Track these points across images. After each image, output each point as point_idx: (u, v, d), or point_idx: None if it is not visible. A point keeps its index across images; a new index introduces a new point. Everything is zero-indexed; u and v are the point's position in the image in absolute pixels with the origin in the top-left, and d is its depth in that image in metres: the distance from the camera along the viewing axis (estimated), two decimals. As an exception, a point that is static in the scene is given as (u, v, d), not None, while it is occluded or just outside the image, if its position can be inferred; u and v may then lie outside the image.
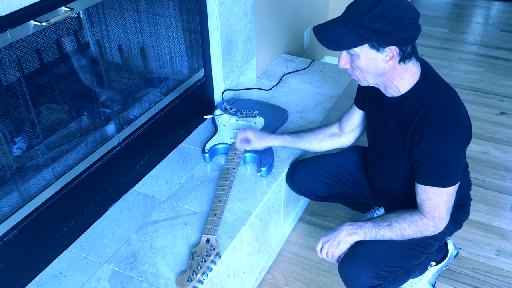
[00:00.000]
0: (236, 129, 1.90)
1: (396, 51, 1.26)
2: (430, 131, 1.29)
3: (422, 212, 1.36)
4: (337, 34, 1.27)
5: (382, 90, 1.40)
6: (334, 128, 1.73)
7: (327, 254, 1.43)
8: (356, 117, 1.65)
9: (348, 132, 1.70)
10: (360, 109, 1.63)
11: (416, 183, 1.36)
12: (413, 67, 1.34)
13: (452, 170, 1.32)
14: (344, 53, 1.31)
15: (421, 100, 1.33)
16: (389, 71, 1.31)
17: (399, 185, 1.49)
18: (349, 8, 1.27)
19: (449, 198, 1.34)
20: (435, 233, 1.38)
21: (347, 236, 1.41)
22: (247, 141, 1.76)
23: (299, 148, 1.80)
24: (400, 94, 1.37)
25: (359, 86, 1.60)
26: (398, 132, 1.39)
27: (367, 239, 1.40)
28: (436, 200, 1.33)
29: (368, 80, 1.35)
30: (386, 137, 1.47)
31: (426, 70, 1.37)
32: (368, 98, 1.54)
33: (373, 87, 1.41)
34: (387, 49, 1.25)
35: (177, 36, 1.86)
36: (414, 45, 1.29)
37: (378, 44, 1.24)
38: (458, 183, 1.34)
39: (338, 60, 1.34)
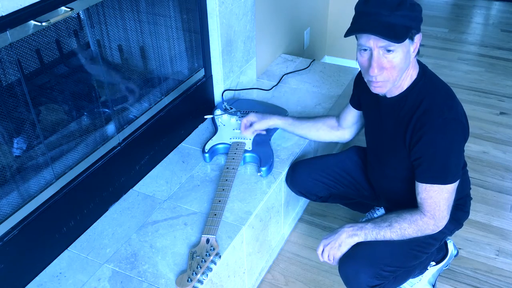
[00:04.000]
0: (236, 129, 1.90)
1: (420, 40, 1.28)
2: (430, 128, 1.29)
3: (423, 211, 1.36)
4: (389, 28, 1.21)
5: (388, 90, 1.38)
6: (333, 121, 1.74)
7: (328, 256, 1.43)
8: (351, 115, 1.66)
9: (345, 127, 1.71)
10: (356, 109, 1.63)
11: (416, 182, 1.36)
12: (415, 62, 1.36)
13: (452, 167, 1.32)
14: (378, 56, 1.25)
15: (419, 98, 1.34)
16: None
17: (398, 184, 1.49)
18: (376, 4, 1.22)
19: (449, 196, 1.34)
20: (436, 232, 1.38)
21: (348, 238, 1.40)
22: (251, 125, 1.80)
23: (297, 134, 1.81)
24: (400, 92, 1.37)
25: (355, 86, 1.60)
26: (396, 132, 1.39)
27: (367, 240, 1.40)
28: (437, 198, 1.33)
29: (397, 80, 1.31)
30: (384, 137, 1.47)
31: (424, 69, 1.38)
32: (364, 98, 1.54)
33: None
34: (415, 38, 1.27)
35: (177, 36, 1.86)
36: None
37: (416, 32, 1.26)
38: (458, 181, 1.34)
39: (370, 68, 1.26)
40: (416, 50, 1.31)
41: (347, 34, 1.26)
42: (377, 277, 1.39)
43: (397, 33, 1.21)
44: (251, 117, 1.81)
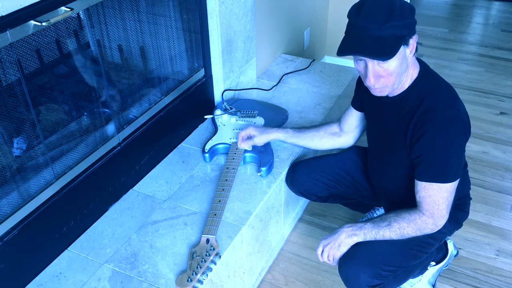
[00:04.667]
0: (236, 129, 1.90)
1: (416, 40, 1.28)
2: (431, 127, 1.29)
3: (421, 210, 1.36)
4: (378, 43, 1.21)
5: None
6: (335, 127, 1.72)
7: (328, 257, 1.43)
8: (353, 118, 1.65)
9: (347, 132, 1.70)
10: (358, 110, 1.63)
11: (416, 181, 1.36)
12: (415, 61, 1.35)
13: (452, 165, 1.32)
14: (373, 66, 1.26)
15: (420, 97, 1.34)
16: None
17: (399, 184, 1.49)
18: (366, 18, 1.22)
19: (449, 195, 1.34)
20: (435, 231, 1.38)
21: (347, 238, 1.40)
22: (249, 138, 1.74)
23: (300, 145, 1.78)
24: (402, 91, 1.37)
25: (357, 87, 1.60)
26: (398, 131, 1.39)
27: (367, 240, 1.40)
28: (436, 197, 1.33)
29: (396, 83, 1.31)
30: (385, 136, 1.47)
31: (425, 67, 1.38)
32: (367, 98, 1.54)
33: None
34: (411, 40, 1.27)
35: (177, 36, 1.86)
36: None
37: (409, 37, 1.25)
38: (458, 180, 1.34)
39: (367, 79, 1.28)
40: (413, 51, 1.30)
41: (340, 54, 1.26)
42: (377, 277, 1.39)
43: (386, 48, 1.21)
44: (251, 130, 1.74)
